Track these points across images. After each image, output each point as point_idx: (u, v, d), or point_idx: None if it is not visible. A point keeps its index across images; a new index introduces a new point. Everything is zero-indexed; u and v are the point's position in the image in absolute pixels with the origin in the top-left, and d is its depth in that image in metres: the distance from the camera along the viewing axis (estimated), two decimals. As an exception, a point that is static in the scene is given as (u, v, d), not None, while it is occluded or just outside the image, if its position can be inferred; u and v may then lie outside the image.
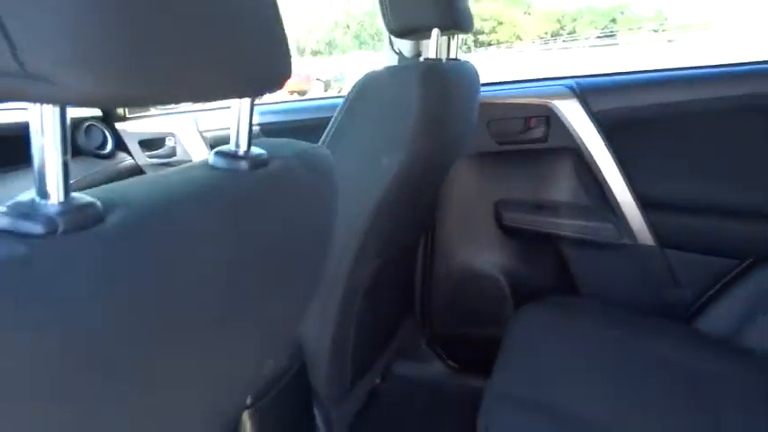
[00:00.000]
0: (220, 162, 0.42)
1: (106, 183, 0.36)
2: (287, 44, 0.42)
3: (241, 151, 0.44)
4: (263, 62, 0.39)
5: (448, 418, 0.94)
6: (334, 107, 0.99)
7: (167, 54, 0.29)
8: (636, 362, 1.07)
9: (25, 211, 0.28)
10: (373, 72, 0.91)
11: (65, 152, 0.29)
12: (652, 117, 1.28)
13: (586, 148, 1.31)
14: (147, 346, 0.33)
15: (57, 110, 0.28)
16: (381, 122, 0.89)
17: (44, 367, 0.27)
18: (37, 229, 0.27)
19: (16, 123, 1.21)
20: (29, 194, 0.29)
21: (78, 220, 0.29)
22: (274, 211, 0.45)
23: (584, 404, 0.95)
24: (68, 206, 0.29)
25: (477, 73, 1.16)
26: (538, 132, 1.35)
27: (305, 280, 0.55)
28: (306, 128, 1.07)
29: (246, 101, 0.43)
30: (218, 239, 0.38)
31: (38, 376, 0.26)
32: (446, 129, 0.98)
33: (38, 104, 0.28)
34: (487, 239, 1.46)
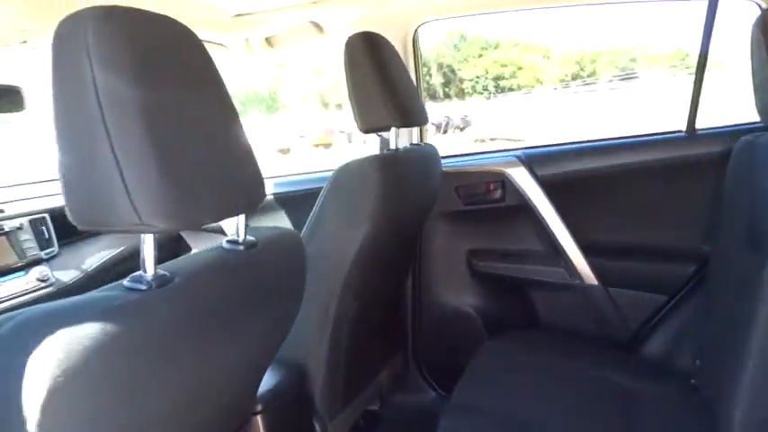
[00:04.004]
0: (228, 245, 0.75)
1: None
2: (260, 172, 0.74)
3: (240, 239, 0.76)
4: (250, 188, 0.71)
5: None
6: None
7: (200, 210, 0.62)
8: (575, 381, 1.33)
9: (137, 278, 0.60)
10: (345, 164, 1.24)
11: (156, 249, 0.61)
12: (583, 178, 1.59)
13: (535, 205, 1.61)
14: (200, 343, 0.65)
15: (152, 235, 0.61)
16: (351, 202, 1.21)
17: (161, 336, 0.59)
18: (143, 286, 0.59)
19: None
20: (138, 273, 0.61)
21: (160, 282, 0.60)
22: (258, 274, 0.78)
23: (524, 411, 1.21)
24: (155, 275, 0.61)
25: (435, 152, 1.50)
26: (496, 194, 1.66)
27: (282, 313, 0.86)
28: (309, 195, 1.37)
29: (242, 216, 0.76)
30: (226, 289, 0.70)
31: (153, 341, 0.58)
32: (403, 202, 1.30)
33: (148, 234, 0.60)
34: (462, 283, 1.76)
